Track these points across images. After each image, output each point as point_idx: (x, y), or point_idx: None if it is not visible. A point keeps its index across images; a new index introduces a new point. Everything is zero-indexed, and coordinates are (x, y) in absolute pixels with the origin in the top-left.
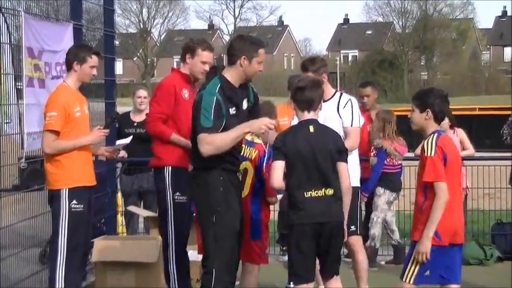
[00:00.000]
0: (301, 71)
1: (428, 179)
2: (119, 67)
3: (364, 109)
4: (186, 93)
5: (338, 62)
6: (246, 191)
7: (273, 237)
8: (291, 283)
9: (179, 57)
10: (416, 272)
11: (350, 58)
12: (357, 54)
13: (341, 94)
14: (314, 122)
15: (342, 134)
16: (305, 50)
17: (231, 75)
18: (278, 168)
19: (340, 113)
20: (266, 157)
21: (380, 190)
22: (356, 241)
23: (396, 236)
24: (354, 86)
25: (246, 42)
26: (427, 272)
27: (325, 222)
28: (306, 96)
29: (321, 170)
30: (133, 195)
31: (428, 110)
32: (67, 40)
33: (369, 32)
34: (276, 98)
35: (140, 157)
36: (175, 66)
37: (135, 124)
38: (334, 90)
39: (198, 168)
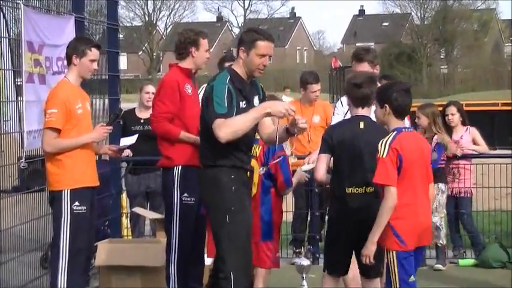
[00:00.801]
0: (355, 60)
1: (377, 181)
2: (123, 62)
3: None
4: (189, 88)
5: None
6: (254, 190)
7: (286, 239)
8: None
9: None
10: (398, 278)
11: None
12: (373, 46)
13: None
14: (366, 118)
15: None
16: (318, 43)
17: (238, 68)
18: (322, 161)
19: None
20: (271, 152)
21: (443, 186)
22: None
23: (442, 235)
24: None
25: (248, 34)
26: (412, 278)
27: (364, 220)
28: (361, 93)
29: (364, 167)
30: (140, 196)
31: (386, 105)
32: (68, 34)
33: (386, 24)
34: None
35: (147, 156)
36: None
37: (142, 121)
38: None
39: (207, 166)
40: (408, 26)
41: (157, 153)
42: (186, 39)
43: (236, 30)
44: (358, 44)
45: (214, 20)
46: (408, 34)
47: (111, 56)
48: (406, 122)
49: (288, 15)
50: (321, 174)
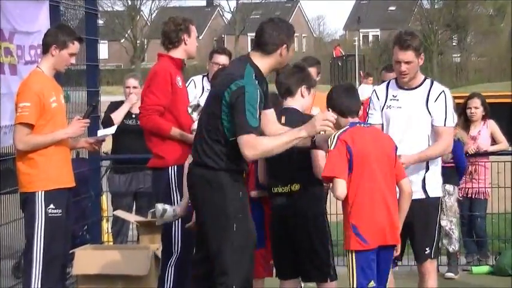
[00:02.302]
0: (398, 47)
1: (323, 175)
2: (103, 50)
3: None
4: (179, 81)
5: (357, 43)
6: None
7: None
8: None
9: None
10: (356, 282)
11: (371, 38)
12: (378, 33)
13: (432, 82)
14: (288, 111)
15: (428, 132)
16: (318, 29)
17: (267, 64)
18: None
19: (429, 108)
20: None
21: (450, 188)
22: (429, 267)
23: (454, 240)
24: (376, 71)
25: (284, 28)
26: (372, 283)
27: (289, 218)
28: (279, 82)
29: (285, 164)
30: (128, 196)
31: (329, 109)
32: (42, 20)
33: (392, 8)
34: None
35: (140, 153)
36: None
37: (134, 116)
38: (423, 77)
39: (211, 168)
40: (417, 10)
41: (149, 150)
42: (177, 25)
43: (228, 16)
44: (362, 31)
45: (204, 4)
46: (417, 19)
47: (90, 44)
48: None
49: None
50: (261, 176)
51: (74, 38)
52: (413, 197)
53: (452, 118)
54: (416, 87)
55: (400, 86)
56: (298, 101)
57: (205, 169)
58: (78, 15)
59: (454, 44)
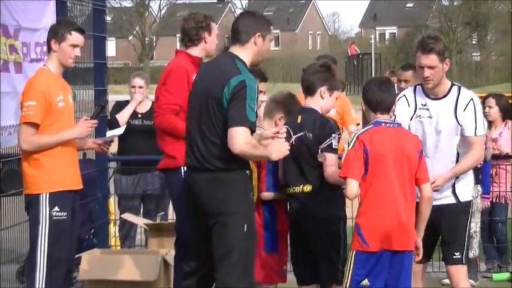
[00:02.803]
0: (420, 51)
1: (339, 175)
2: (111, 48)
3: None
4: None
5: (373, 41)
6: (255, 196)
7: None
8: None
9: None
10: (350, 278)
11: (387, 36)
12: (395, 31)
13: (459, 89)
14: (306, 111)
15: (457, 141)
16: (333, 26)
17: (245, 56)
18: None
19: (458, 117)
20: None
21: (475, 189)
22: (458, 271)
23: (474, 245)
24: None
25: (257, 17)
26: (365, 281)
27: (302, 221)
28: (303, 79)
29: (300, 164)
30: (136, 199)
31: (362, 101)
32: (49, 16)
33: (410, 5)
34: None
35: (146, 154)
36: (178, 46)
37: (140, 116)
38: (450, 84)
39: (219, 169)
40: (435, 7)
41: (157, 151)
42: (198, 23)
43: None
44: (378, 28)
45: (215, 0)
46: (435, 17)
47: (97, 41)
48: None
49: None
50: (280, 174)
51: (72, 29)
52: (443, 202)
53: (483, 125)
54: (443, 97)
55: (427, 95)
56: (317, 102)
57: (215, 172)
58: (85, 12)
59: (473, 42)
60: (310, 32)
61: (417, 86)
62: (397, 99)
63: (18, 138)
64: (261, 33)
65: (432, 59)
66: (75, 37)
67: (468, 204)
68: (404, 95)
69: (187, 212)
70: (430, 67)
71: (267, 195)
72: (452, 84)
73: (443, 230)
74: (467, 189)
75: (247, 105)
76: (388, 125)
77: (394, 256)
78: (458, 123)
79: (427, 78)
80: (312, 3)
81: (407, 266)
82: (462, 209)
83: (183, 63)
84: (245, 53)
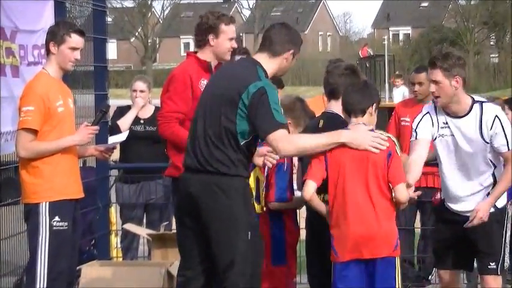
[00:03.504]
0: (429, 67)
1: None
2: (112, 50)
3: (415, 101)
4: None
5: (386, 42)
6: (262, 205)
7: (303, 261)
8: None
9: (188, 37)
10: None
11: (401, 37)
12: (409, 31)
13: (481, 106)
14: (327, 115)
15: (487, 158)
16: (344, 27)
17: (271, 68)
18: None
19: (484, 135)
20: None
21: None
22: (493, 282)
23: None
24: (407, 72)
25: (296, 34)
26: None
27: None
28: (327, 82)
29: None
30: (139, 208)
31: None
32: (47, 17)
33: (425, 4)
34: (309, 87)
35: (149, 162)
36: (182, 48)
37: (142, 121)
38: (471, 101)
39: (222, 174)
40: (452, 6)
41: (160, 158)
42: (202, 24)
43: (246, 13)
44: (391, 29)
45: (221, 0)
46: (452, 16)
47: (98, 43)
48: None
49: None
50: (299, 182)
51: (72, 31)
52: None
53: None
54: (465, 115)
55: (447, 113)
56: (340, 106)
57: (216, 175)
58: (85, 13)
59: (491, 43)
60: (320, 33)
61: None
62: (420, 116)
63: (16, 145)
64: (294, 51)
65: (435, 74)
66: (75, 39)
67: (502, 211)
68: (428, 113)
69: (179, 213)
70: (434, 82)
71: (276, 205)
72: (474, 101)
73: (478, 239)
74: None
75: (272, 110)
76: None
77: (367, 265)
78: (485, 141)
79: (433, 93)
80: (322, 2)
81: (383, 273)
82: (497, 218)
83: (188, 68)
84: (271, 65)
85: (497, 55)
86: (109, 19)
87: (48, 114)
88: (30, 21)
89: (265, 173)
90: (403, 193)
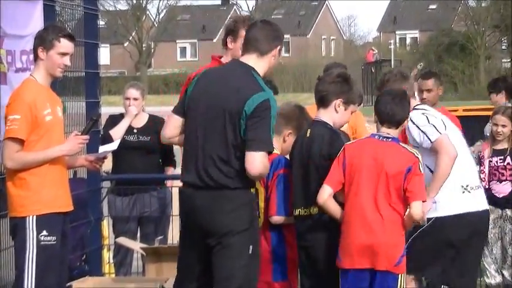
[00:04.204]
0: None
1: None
2: (104, 55)
3: None
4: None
5: (392, 46)
6: (262, 219)
7: None
8: None
9: (185, 41)
10: None
11: (408, 41)
12: (417, 35)
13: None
14: (316, 124)
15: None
16: (349, 30)
17: (261, 68)
18: None
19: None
20: (272, 168)
21: None
22: None
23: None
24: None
25: (278, 29)
26: None
27: (310, 246)
28: (317, 89)
29: (309, 184)
30: (132, 222)
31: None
32: (36, 21)
33: (433, 7)
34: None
35: (143, 173)
36: (178, 53)
37: (135, 131)
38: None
39: (224, 186)
40: (461, 9)
41: (155, 169)
42: (227, 26)
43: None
44: (398, 32)
45: (219, 2)
46: (461, 19)
47: (89, 48)
48: None
49: None
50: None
51: (61, 35)
52: None
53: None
54: None
55: None
56: (330, 115)
57: (223, 190)
58: (75, 16)
59: (503, 47)
60: (323, 37)
61: None
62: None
63: (1, 155)
64: (280, 47)
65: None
66: (64, 44)
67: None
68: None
69: (183, 231)
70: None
71: (277, 219)
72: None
73: None
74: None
75: (271, 127)
76: (380, 138)
77: (369, 274)
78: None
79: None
80: (325, 5)
81: (381, 287)
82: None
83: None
84: (261, 65)
85: (509, 60)
86: (101, 22)
87: (35, 123)
88: (18, 25)
89: (265, 185)
90: (418, 211)
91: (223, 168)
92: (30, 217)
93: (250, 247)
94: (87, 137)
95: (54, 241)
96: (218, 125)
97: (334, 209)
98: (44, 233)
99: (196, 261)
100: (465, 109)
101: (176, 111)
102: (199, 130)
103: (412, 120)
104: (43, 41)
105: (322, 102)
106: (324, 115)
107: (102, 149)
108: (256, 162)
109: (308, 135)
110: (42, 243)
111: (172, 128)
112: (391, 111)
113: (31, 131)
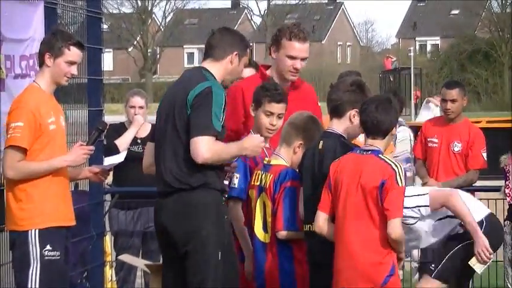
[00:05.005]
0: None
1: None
2: (107, 61)
3: (445, 119)
4: None
5: (412, 54)
6: (269, 233)
7: None
8: None
9: (192, 46)
10: None
11: (429, 48)
12: (438, 42)
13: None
14: (328, 135)
15: None
16: (366, 36)
17: (217, 72)
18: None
19: None
20: (280, 181)
21: None
22: None
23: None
24: (435, 87)
25: (237, 36)
26: None
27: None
28: (330, 97)
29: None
30: (136, 237)
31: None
32: (36, 25)
33: (456, 12)
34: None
35: (147, 185)
36: (185, 59)
37: (139, 141)
38: None
39: (186, 185)
40: (485, 14)
41: None
42: (274, 34)
43: (257, 20)
44: (418, 39)
45: (229, 6)
46: (485, 25)
47: (92, 53)
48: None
49: (326, 0)
50: (300, 208)
51: (71, 43)
52: None
53: None
54: None
55: None
56: (343, 125)
57: (185, 192)
58: (78, 19)
59: None
60: (339, 43)
61: None
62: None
63: (2, 164)
64: (238, 52)
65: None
66: (74, 53)
67: None
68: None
69: (160, 247)
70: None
71: (285, 234)
72: None
73: None
74: None
75: (212, 113)
76: (359, 152)
77: None
78: None
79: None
80: (341, 9)
81: None
82: None
83: (246, 81)
84: (216, 69)
85: None
86: (104, 26)
87: (39, 131)
88: (17, 29)
89: (272, 198)
90: (395, 229)
91: (183, 165)
92: (32, 231)
93: (219, 253)
94: (92, 147)
95: (58, 256)
96: (171, 124)
97: (331, 233)
98: (48, 247)
99: (174, 278)
100: (489, 121)
101: (151, 138)
102: (161, 137)
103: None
104: (51, 47)
105: (336, 112)
106: (337, 126)
107: (108, 160)
108: (200, 147)
109: (320, 147)
110: (46, 258)
111: (149, 155)
112: (375, 120)
113: (34, 139)
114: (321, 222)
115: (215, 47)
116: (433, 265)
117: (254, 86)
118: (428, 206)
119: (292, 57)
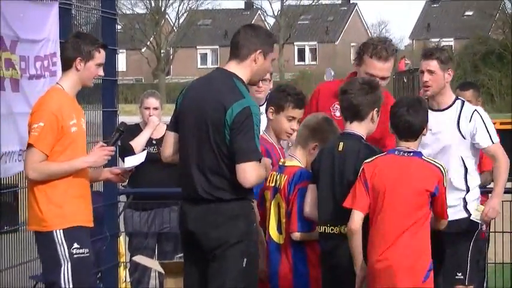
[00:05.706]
0: (422, 58)
1: (344, 203)
2: (121, 61)
3: None
4: (335, 110)
5: None
6: (283, 235)
7: None
8: None
9: (206, 47)
10: None
11: None
12: (452, 43)
13: (463, 103)
14: (348, 137)
15: (462, 154)
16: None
17: (243, 74)
18: (309, 192)
19: (461, 130)
20: (294, 182)
21: None
22: None
23: None
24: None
25: (260, 32)
26: None
27: (335, 266)
28: (347, 100)
29: (337, 200)
30: (150, 238)
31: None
32: (51, 25)
33: (469, 13)
34: None
35: (162, 186)
36: (199, 60)
37: (155, 142)
38: (454, 97)
39: (219, 198)
40: (499, 16)
41: (174, 183)
42: (357, 49)
43: (271, 21)
44: (432, 40)
45: (242, 6)
46: (499, 27)
47: (107, 53)
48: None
49: (340, 1)
50: (307, 207)
51: (99, 46)
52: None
53: (495, 132)
54: (446, 108)
55: (429, 106)
56: (365, 127)
57: (215, 203)
58: (91, 20)
59: None
60: (352, 44)
61: None
62: None
63: (24, 165)
64: (262, 50)
65: (432, 64)
66: (103, 55)
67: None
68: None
69: (184, 248)
70: (429, 71)
71: (299, 235)
72: (457, 98)
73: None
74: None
75: (255, 136)
76: (401, 153)
77: None
78: (463, 136)
79: (425, 83)
80: (355, 10)
81: None
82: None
83: (321, 88)
84: (242, 71)
85: None
86: (118, 27)
87: (61, 133)
88: (32, 29)
89: (286, 199)
90: (444, 226)
91: (216, 180)
92: (57, 231)
93: (245, 260)
94: (113, 148)
95: (87, 253)
96: (205, 136)
97: (358, 243)
98: (76, 245)
99: (198, 278)
100: (503, 122)
101: (171, 127)
102: (190, 143)
103: (481, 116)
104: (80, 51)
105: (358, 116)
106: (358, 128)
107: (129, 160)
108: (247, 173)
109: (340, 148)
110: (75, 256)
111: (170, 145)
112: (407, 124)
113: (56, 140)
114: (359, 220)
115: (239, 46)
116: (458, 273)
117: (329, 95)
118: (493, 142)
119: (371, 75)
